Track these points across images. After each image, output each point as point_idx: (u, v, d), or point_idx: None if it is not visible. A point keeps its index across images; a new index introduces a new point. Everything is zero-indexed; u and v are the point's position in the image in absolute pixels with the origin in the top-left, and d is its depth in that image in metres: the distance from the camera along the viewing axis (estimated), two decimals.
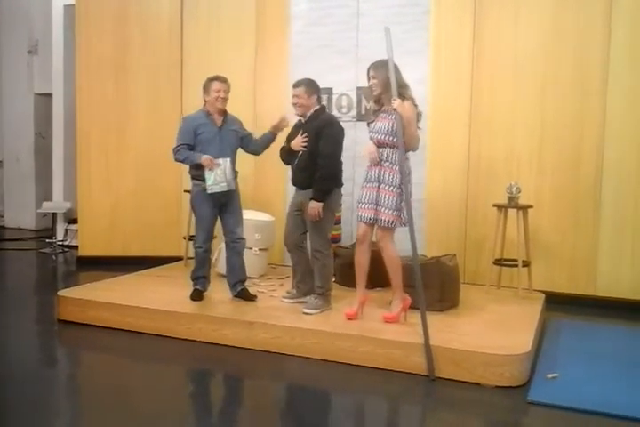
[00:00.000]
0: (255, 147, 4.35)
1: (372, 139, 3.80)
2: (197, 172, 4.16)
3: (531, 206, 4.65)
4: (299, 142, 4.03)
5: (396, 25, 5.03)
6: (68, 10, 6.83)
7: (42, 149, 8.51)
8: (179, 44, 6.09)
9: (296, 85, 4.08)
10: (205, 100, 4.21)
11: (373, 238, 3.87)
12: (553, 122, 4.89)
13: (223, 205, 4.23)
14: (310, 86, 4.06)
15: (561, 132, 4.88)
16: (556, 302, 4.68)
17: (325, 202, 3.94)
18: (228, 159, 4.08)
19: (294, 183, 4.17)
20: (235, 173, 4.18)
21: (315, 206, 3.91)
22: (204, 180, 4.11)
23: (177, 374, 3.49)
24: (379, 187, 3.74)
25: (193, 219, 5.38)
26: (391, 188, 3.71)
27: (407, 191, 3.67)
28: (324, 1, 5.53)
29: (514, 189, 4.60)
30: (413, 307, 3.86)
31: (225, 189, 4.07)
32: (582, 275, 4.89)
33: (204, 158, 4.03)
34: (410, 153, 3.79)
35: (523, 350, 3.28)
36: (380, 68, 3.72)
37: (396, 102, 3.58)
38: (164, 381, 3.31)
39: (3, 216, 9.02)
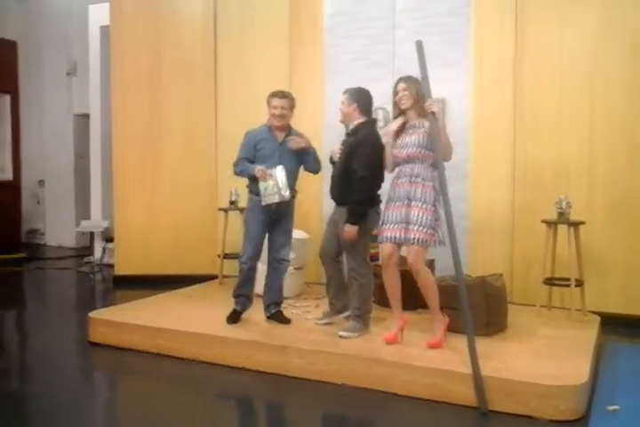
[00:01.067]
0: (312, 165, 4.14)
1: (400, 153, 3.62)
2: (253, 185, 4.05)
3: (582, 222, 4.35)
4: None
5: (433, 36, 4.92)
6: (105, 31, 6.89)
7: (81, 168, 8.59)
8: (212, 61, 6.04)
9: (344, 92, 3.96)
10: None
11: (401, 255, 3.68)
12: (603, 131, 4.62)
13: (274, 223, 4.08)
14: (353, 95, 3.89)
15: (612, 141, 4.59)
16: (611, 324, 4.35)
17: (361, 223, 3.76)
18: (280, 167, 3.89)
19: (332, 196, 4.00)
20: (291, 190, 3.99)
21: (350, 230, 3.73)
22: (258, 194, 3.98)
23: (206, 403, 3.31)
24: (409, 204, 3.54)
25: (230, 237, 5.35)
26: (424, 205, 3.50)
27: (447, 208, 3.43)
28: (358, 13, 5.40)
29: (564, 203, 4.32)
30: (456, 331, 3.64)
31: (276, 201, 3.89)
32: (639, 295, 4.54)
33: (257, 170, 3.90)
34: (448, 167, 3.58)
35: (579, 381, 3.00)
36: (411, 80, 3.62)
37: (435, 105, 3.44)
38: (193, 411, 3.14)
39: (44, 234, 9.12)
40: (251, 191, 4.10)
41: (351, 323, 3.84)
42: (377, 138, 3.85)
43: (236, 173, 4.13)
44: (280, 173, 3.88)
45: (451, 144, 3.56)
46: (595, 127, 4.64)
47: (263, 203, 3.92)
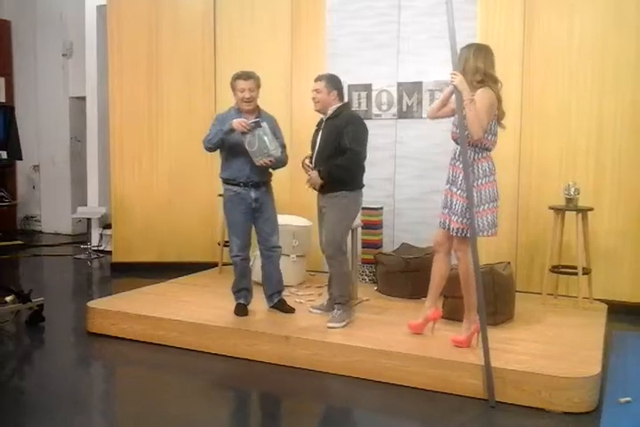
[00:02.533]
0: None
1: (453, 134, 3.35)
2: (226, 173, 3.90)
3: (591, 209, 4.27)
4: (240, 122, 3.66)
5: (439, 16, 4.75)
6: (101, 10, 6.70)
7: (78, 152, 8.45)
8: (212, 41, 5.89)
9: (317, 79, 3.81)
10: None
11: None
12: (612, 117, 4.51)
13: (256, 211, 3.93)
14: (331, 81, 3.77)
15: (621, 127, 4.49)
16: (618, 313, 4.29)
17: (343, 204, 3.69)
18: (264, 124, 3.67)
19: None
20: (282, 147, 3.83)
21: (316, 177, 3.65)
22: (235, 184, 3.86)
23: (209, 394, 3.24)
24: (451, 190, 3.33)
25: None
26: (460, 191, 3.26)
27: (485, 195, 3.25)
28: None
29: (572, 189, 4.22)
30: (462, 320, 3.56)
31: (276, 155, 3.71)
32: None
33: (235, 122, 3.66)
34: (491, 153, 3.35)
35: (592, 372, 2.93)
36: (462, 50, 3.28)
37: (457, 78, 3.12)
38: (193, 401, 3.07)
39: (40, 221, 9.00)
40: (225, 182, 3.93)
41: (336, 312, 3.75)
42: (361, 118, 3.81)
43: (208, 145, 3.85)
44: (265, 129, 3.67)
45: (477, 120, 3.16)
46: (603, 113, 4.53)
47: (257, 163, 3.72)
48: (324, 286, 4.54)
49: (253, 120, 3.68)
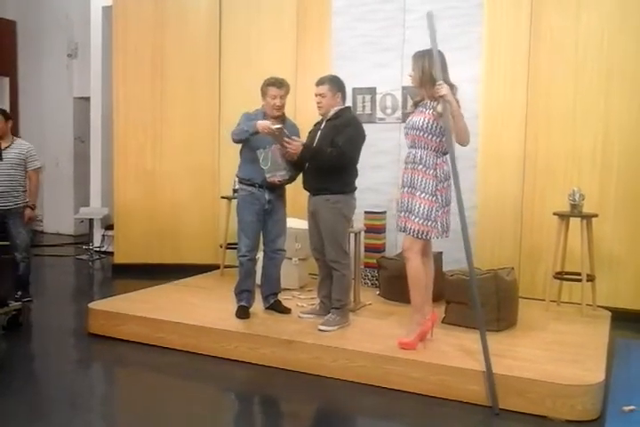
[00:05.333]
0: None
1: (406, 135, 3.40)
2: (244, 173, 3.90)
3: (596, 215, 4.24)
4: (266, 124, 3.62)
5: (445, 20, 4.75)
6: (107, 11, 6.71)
7: (81, 153, 8.44)
8: (217, 44, 5.89)
9: (319, 83, 3.74)
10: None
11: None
12: (619, 122, 4.49)
13: (267, 213, 3.94)
14: (335, 83, 3.72)
15: (628, 132, 4.46)
16: (621, 320, 4.25)
17: (337, 208, 3.66)
18: (273, 148, 3.69)
19: (305, 187, 3.83)
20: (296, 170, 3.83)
21: (297, 146, 3.60)
22: (250, 184, 3.86)
23: (208, 397, 3.22)
24: (413, 193, 3.32)
25: (233, 226, 5.21)
26: (423, 194, 3.27)
27: (445, 199, 3.28)
28: None
29: (577, 195, 4.20)
30: (466, 326, 3.55)
31: (287, 177, 3.75)
32: None
33: (260, 124, 3.64)
34: (458, 156, 3.31)
35: (596, 380, 2.91)
36: (417, 58, 3.32)
37: (444, 88, 3.11)
38: (194, 405, 3.05)
39: (42, 221, 8.99)
40: (241, 181, 3.94)
41: (331, 316, 3.72)
42: (361, 124, 3.75)
43: (236, 138, 3.83)
44: (276, 150, 3.69)
45: (467, 127, 3.24)
46: (610, 118, 4.51)
47: (269, 179, 3.75)
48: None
49: (277, 126, 3.65)
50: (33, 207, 4.85)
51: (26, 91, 8.81)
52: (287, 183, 3.93)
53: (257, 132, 3.69)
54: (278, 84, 3.84)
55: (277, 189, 3.94)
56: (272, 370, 3.45)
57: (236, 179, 4.07)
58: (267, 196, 3.89)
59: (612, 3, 4.46)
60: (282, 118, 3.91)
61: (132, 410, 3.04)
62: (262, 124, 3.66)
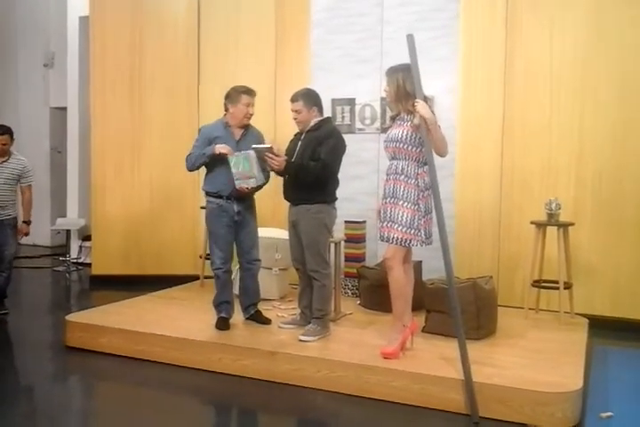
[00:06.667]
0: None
1: (386, 148, 3.47)
2: (210, 186, 3.88)
3: (572, 224, 4.31)
4: (227, 149, 3.69)
5: (422, 31, 4.80)
6: (84, 21, 6.67)
7: (58, 163, 8.35)
8: (195, 54, 5.89)
9: (293, 100, 3.74)
10: (227, 111, 3.89)
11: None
12: (593, 132, 4.58)
13: (238, 225, 3.92)
14: (308, 98, 3.73)
15: (602, 142, 4.55)
16: (598, 327, 4.31)
17: (320, 220, 3.67)
18: (251, 152, 3.67)
19: (285, 197, 3.84)
20: (265, 172, 3.80)
21: (282, 162, 3.60)
22: (218, 196, 3.84)
23: (191, 410, 3.19)
24: (395, 203, 3.38)
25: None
26: (406, 203, 3.33)
27: (438, 206, 3.32)
28: (345, 8, 5.28)
29: (554, 205, 4.27)
30: (446, 334, 3.57)
31: (254, 185, 3.72)
32: (627, 297, 4.52)
33: (219, 147, 3.67)
34: (437, 165, 3.39)
35: (575, 387, 2.94)
36: (391, 74, 3.40)
37: (420, 105, 3.19)
38: (175, 418, 3.02)
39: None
40: (208, 194, 3.92)
41: (311, 326, 3.73)
42: (342, 135, 3.78)
43: (190, 166, 3.86)
44: (253, 156, 3.67)
45: (445, 139, 3.32)
46: (585, 128, 4.60)
47: (237, 186, 3.72)
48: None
49: (266, 146, 3.65)
50: (29, 222, 4.90)
51: (1, 100, 8.70)
52: (255, 191, 3.91)
53: (216, 155, 3.69)
54: (252, 92, 3.85)
55: (246, 200, 3.92)
56: (255, 381, 3.43)
57: (203, 193, 4.01)
58: (235, 207, 3.87)
59: (587, 22, 4.55)
60: (247, 126, 3.92)
61: (112, 425, 2.99)
62: (221, 148, 3.68)
